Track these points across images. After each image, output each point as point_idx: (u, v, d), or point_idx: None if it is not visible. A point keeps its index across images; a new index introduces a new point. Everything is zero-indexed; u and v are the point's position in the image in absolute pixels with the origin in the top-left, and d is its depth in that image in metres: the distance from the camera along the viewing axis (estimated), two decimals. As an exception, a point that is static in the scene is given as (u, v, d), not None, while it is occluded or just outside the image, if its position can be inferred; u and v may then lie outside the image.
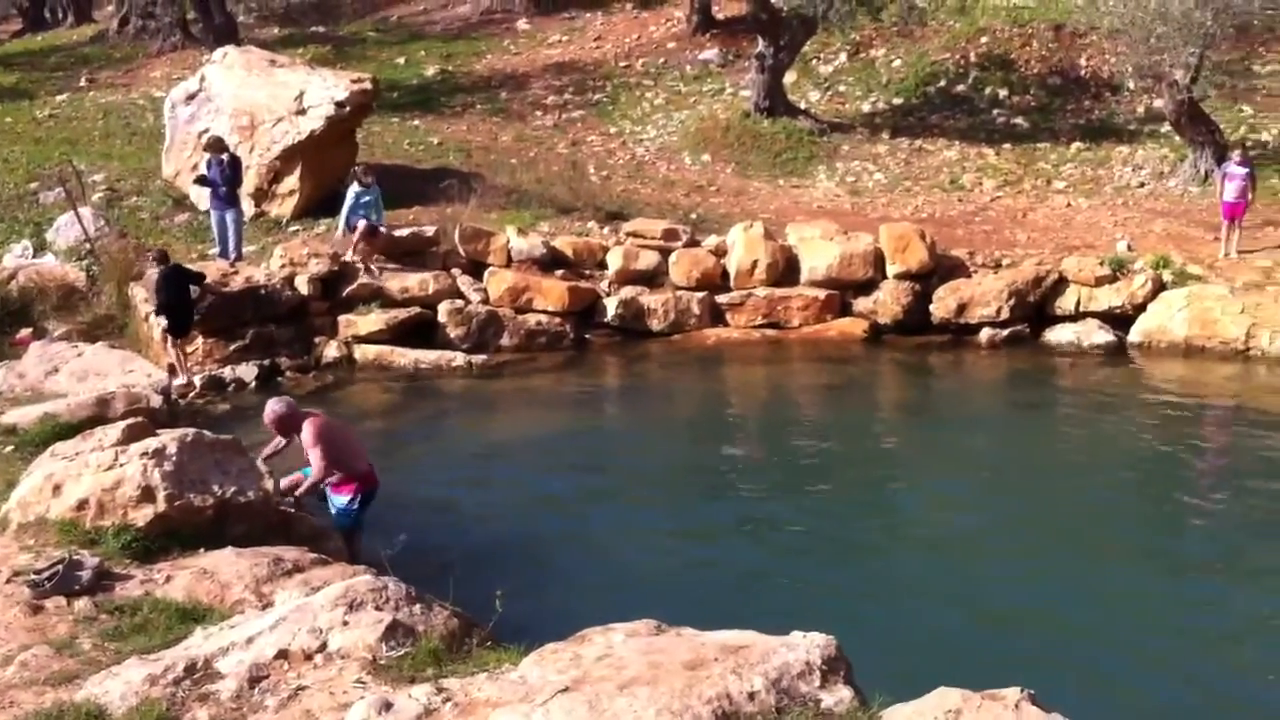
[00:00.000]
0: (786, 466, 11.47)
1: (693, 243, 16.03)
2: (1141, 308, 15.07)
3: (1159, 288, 15.12)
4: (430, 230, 15.86)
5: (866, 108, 22.48)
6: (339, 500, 8.22)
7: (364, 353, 14.53)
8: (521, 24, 27.71)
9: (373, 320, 14.62)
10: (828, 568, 8.93)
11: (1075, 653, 7.38)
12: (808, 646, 4.66)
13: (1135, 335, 15.01)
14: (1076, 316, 15.23)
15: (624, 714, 4.26)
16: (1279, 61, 20.73)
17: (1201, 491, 10.98)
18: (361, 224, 15.02)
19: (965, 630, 7.66)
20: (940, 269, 15.60)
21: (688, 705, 4.29)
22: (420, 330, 14.81)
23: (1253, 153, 16.06)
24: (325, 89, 17.39)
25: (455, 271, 15.50)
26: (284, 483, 8.40)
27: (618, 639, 4.86)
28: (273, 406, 8.33)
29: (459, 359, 14.47)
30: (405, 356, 14.47)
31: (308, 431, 8.02)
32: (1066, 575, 8.79)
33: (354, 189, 15.27)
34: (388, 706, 4.43)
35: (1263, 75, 20.43)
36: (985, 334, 15.16)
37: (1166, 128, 19.38)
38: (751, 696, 4.38)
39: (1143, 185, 19.00)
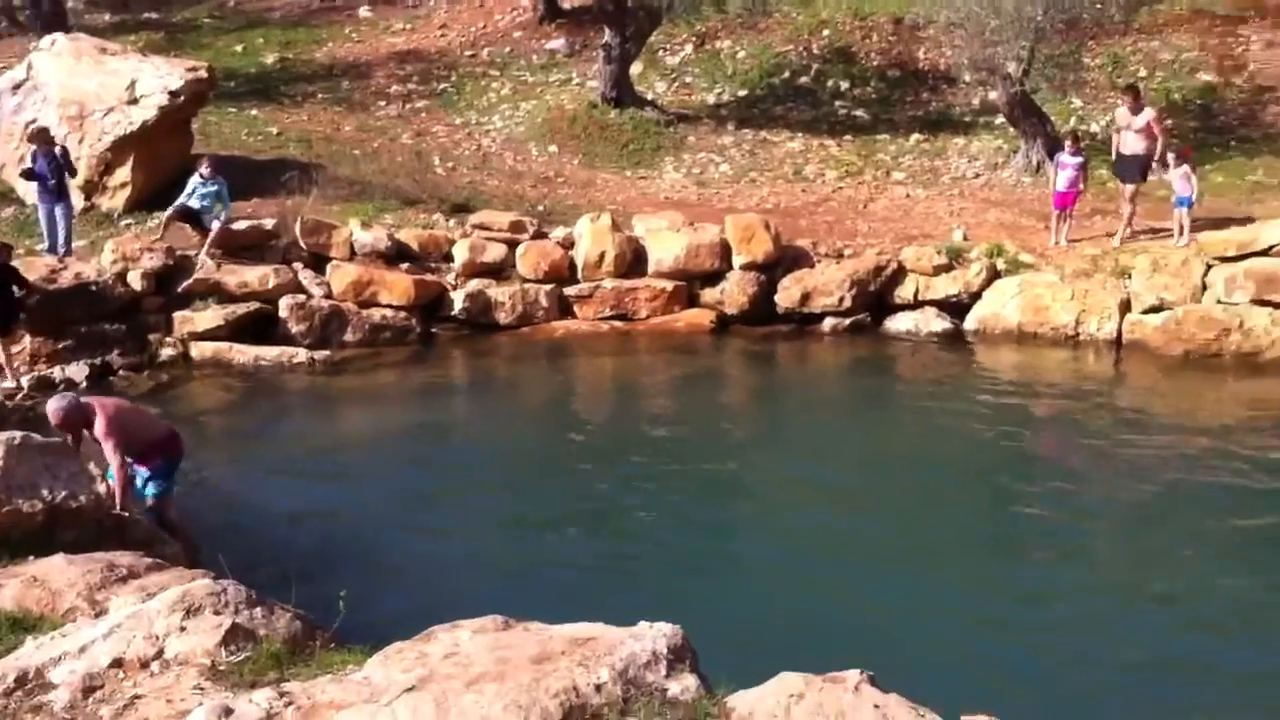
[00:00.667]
0: (634, 457, 11.51)
1: (540, 235, 15.96)
2: (977, 296, 15.49)
3: (993, 276, 15.56)
4: (270, 223, 15.48)
5: (712, 99, 22.66)
6: (141, 474, 7.95)
7: (201, 350, 14.12)
8: (364, 11, 27.20)
9: (210, 316, 14.22)
10: (676, 557, 8.99)
11: (914, 635, 7.56)
12: (654, 637, 4.68)
13: (971, 322, 15.43)
14: (916, 305, 15.59)
15: (471, 711, 4.22)
16: (1107, 55, 21.49)
17: (1033, 472, 11.37)
18: (215, 225, 14.68)
19: (809, 616, 7.79)
20: (785, 259, 15.80)
21: (535, 700, 4.26)
22: (260, 326, 14.46)
23: (1082, 144, 16.61)
24: (158, 78, 16.85)
25: (297, 266, 15.16)
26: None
27: (464, 636, 4.81)
28: (56, 404, 7.94)
29: (301, 355, 14.17)
30: (245, 354, 14.10)
31: (100, 424, 7.71)
32: (906, 558, 9.00)
33: (194, 178, 14.89)
34: (228, 712, 4.30)
35: (1091, 68, 21.16)
36: (829, 323, 15.43)
37: (1000, 120, 19.94)
38: (599, 688, 4.37)
39: (978, 176, 19.53)
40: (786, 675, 4.52)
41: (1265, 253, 14.42)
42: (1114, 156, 16.20)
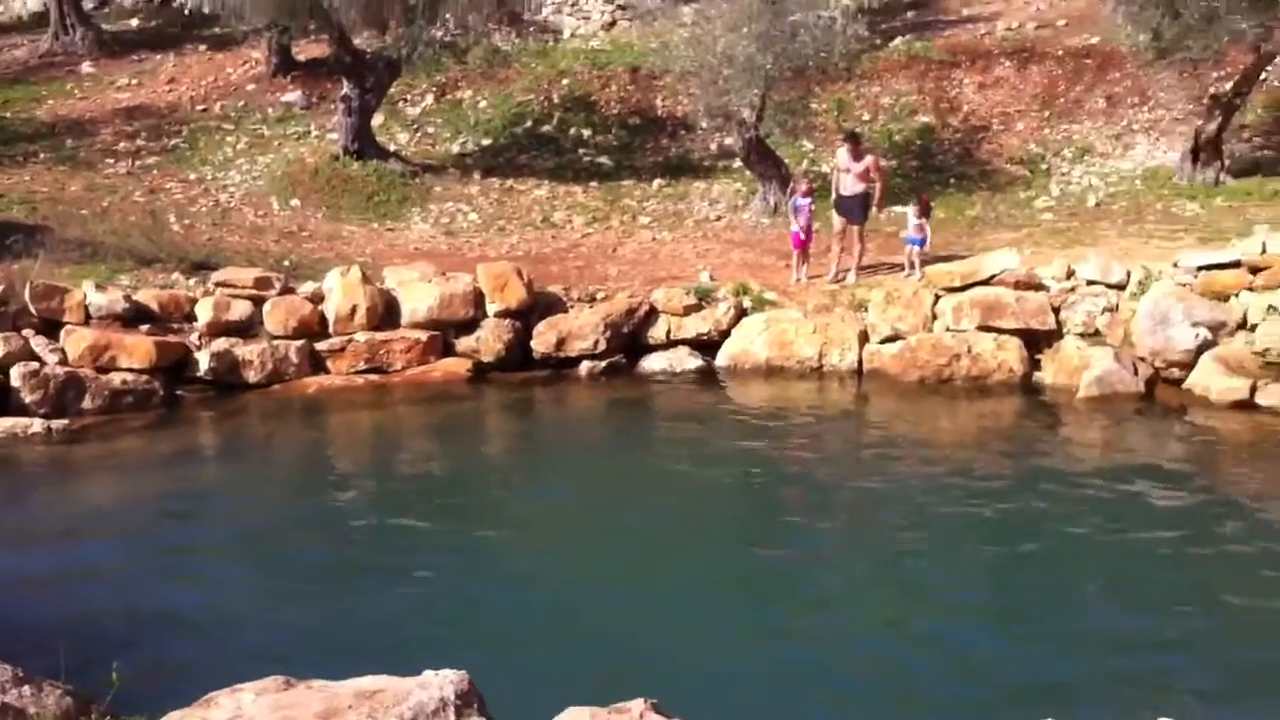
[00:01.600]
0: (397, 508, 11.37)
1: (287, 290, 15.63)
2: (726, 333, 15.99)
3: (741, 314, 16.10)
4: (-4, 288, 14.69)
5: (456, 148, 22.73)
6: None
7: (-74, 424, 13.25)
8: (86, 67, 26.18)
9: (-66, 389, 13.37)
10: (452, 604, 8.96)
11: (689, 664, 7.76)
12: (441, 684, 4.68)
13: (722, 359, 15.92)
14: (669, 344, 15.97)
15: (259, 775, 4.12)
16: (833, 100, 22.62)
17: (783, 499, 11.89)
18: None
19: (591, 651, 7.91)
20: (539, 305, 15.96)
21: (325, 757, 4.20)
22: (-9, 397, 13.66)
23: (814, 185, 17.34)
24: None
25: (27, 333, 14.39)
26: None
27: (247, 699, 4.69)
28: None
29: (36, 425, 13.41)
30: (-25, 426, 13.29)
31: None
32: (673, 591, 9.25)
33: None
34: (-5, 799, 4.09)
35: (820, 113, 22.23)
36: (585, 366, 15.64)
37: (738, 164, 20.73)
38: (389, 740, 4.35)
39: (720, 218, 20.22)
40: (573, 710, 4.62)
41: (987, 282, 15.42)
42: (834, 197, 16.78)
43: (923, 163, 21.37)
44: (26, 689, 4.91)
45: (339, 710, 4.50)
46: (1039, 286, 15.33)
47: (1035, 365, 15.08)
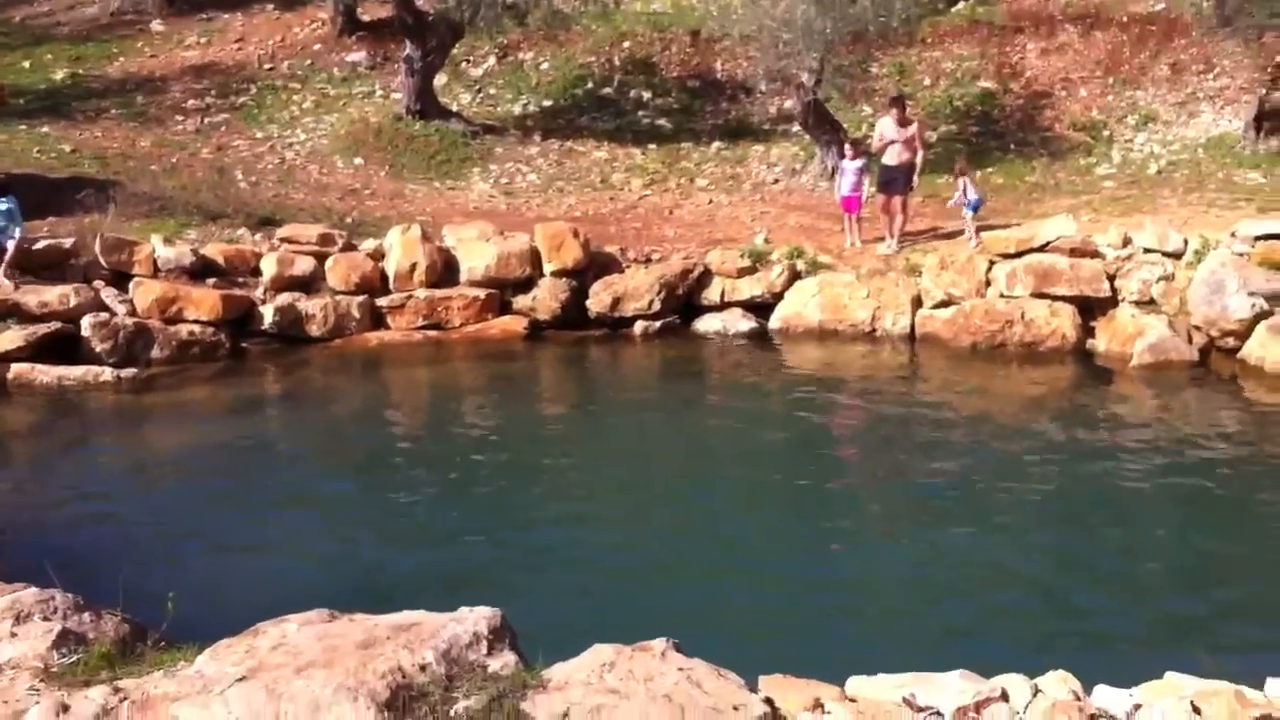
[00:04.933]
0: (455, 457, 11.67)
1: (349, 247, 15.97)
2: (779, 296, 16.12)
3: (794, 277, 16.21)
4: (68, 242, 15.12)
5: (517, 110, 22.93)
6: None
7: (1, 371, 13.70)
8: (156, 25, 26.64)
9: (10, 337, 13.79)
10: (495, 549, 9.24)
11: (720, 610, 7.98)
12: (474, 619, 4.94)
13: (775, 322, 16.06)
14: (722, 306, 16.14)
15: (301, 694, 4.40)
16: (893, 64, 22.55)
17: (835, 456, 12.06)
18: (9, 244, 14.27)
19: (621, 596, 8.17)
20: (595, 265, 16.18)
21: (363, 681, 4.47)
22: (63, 346, 14.09)
23: (861, 148, 17.22)
24: (-59, 94, 16.31)
25: (98, 284, 14.84)
26: None
27: (292, 629, 4.98)
28: None
29: (107, 374, 13.87)
30: (48, 374, 13.73)
31: None
32: (712, 540, 9.48)
33: None
34: (65, 709, 4.42)
35: (880, 77, 22.18)
36: (639, 326, 15.86)
37: (797, 127, 20.75)
38: (423, 668, 4.61)
39: (777, 181, 20.29)
40: (599, 646, 4.86)
41: (1042, 249, 15.38)
42: (880, 170, 16.63)
43: (983, 128, 21.26)
44: (87, 616, 5.23)
45: (378, 640, 4.77)
46: (1095, 254, 15.27)
47: (1089, 332, 15.07)
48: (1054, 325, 15.02)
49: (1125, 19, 22.78)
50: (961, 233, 16.35)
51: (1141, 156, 19.83)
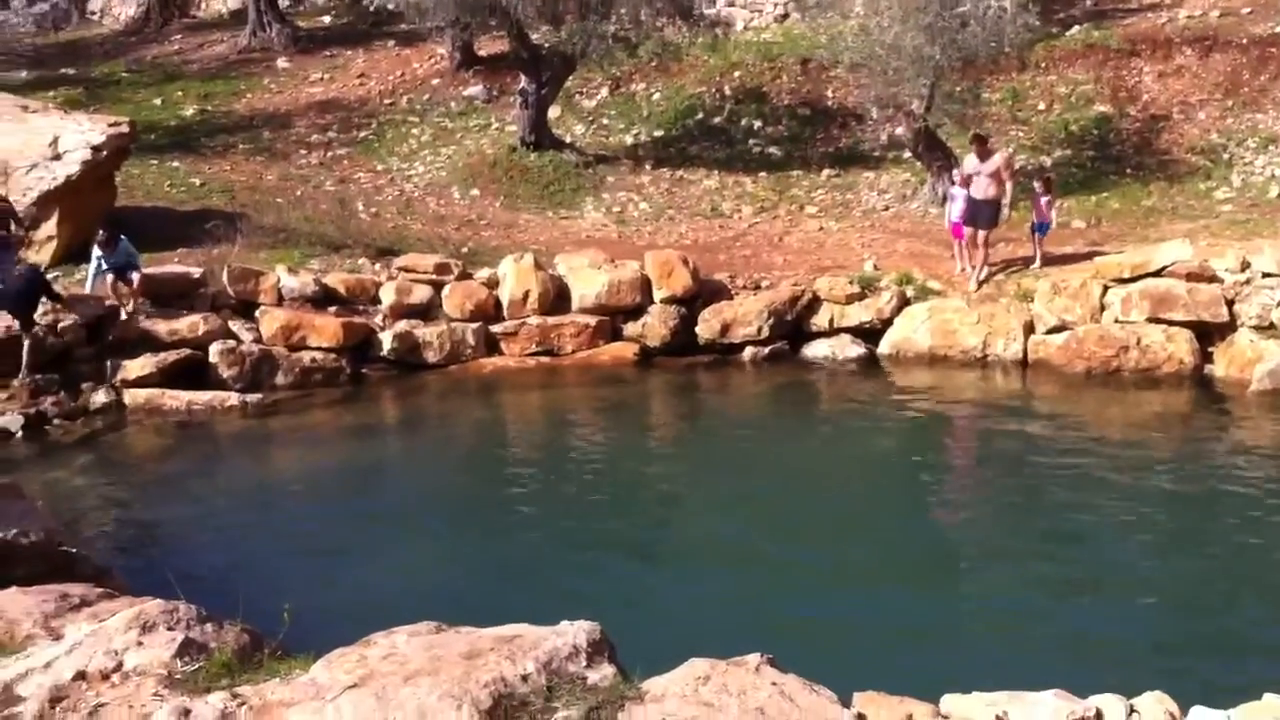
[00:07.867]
0: (564, 478, 11.95)
1: (465, 275, 16.37)
2: (889, 322, 16.12)
3: (903, 303, 16.20)
4: (197, 272, 15.75)
5: (629, 140, 23.25)
6: None
7: (134, 397, 14.29)
8: (281, 62, 27.58)
9: (142, 364, 14.42)
10: (601, 567, 9.48)
11: (818, 628, 8.09)
12: (575, 633, 5.11)
13: (884, 347, 16.05)
14: (831, 332, 16.18)
15: (409, 701, 4.61)
16: (1006, 89, 22.38)
17: (946, 482, 12.06)
18: (135, 276, 14.89)
19: (721, 614, 8.33)
20: (704, 292, 16.35)
21: (466, 689, 4.66)
22: (192, 372, 14.68)
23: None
24: (80, 133, 17.15)
25: (225, 312, 15.44)
26: None
27: (401, 639, 5.20)
28: None
29: (233, 399, 14.41)
30: (178, 399, 14.31)
31: None
32: (816, 561, 9.58)
33: (95, 253, 15.01)
34: (187, 713, 4.67)
35: (993, 103, 22.03)
36: (748, 352, 15.97)
37: (907, 154, 20.72)
38: (525, 678, 4.79)
39: (887, 208, 20.27)
40: (695, 660, 4.99)
41: (1158, 274, 15.17)
42: (963, 203, 16.44)
43: (1099, 153, 20.98)
44: (209, 626, 5.51)
45: (481, 652, 4.97)
46: (1212, 278, 15.00)
47: (1206, 358, 14.82)
48: (1170, 351, 14.79)
49: (1245, 41, 22.31)
50: (1069, 258, 16.20)
51: (1262, 180, 19.40)
